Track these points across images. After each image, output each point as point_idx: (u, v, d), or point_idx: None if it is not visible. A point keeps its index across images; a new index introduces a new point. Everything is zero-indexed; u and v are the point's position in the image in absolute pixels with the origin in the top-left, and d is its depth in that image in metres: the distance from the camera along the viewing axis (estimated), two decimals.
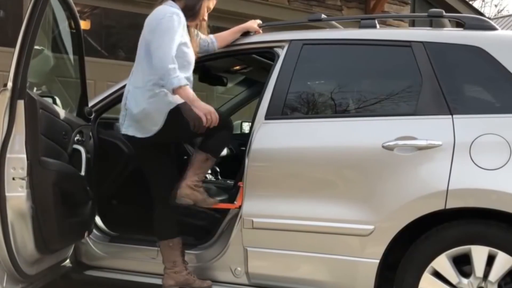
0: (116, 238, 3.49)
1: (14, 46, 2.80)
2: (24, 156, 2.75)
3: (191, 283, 3.11)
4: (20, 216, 2.78)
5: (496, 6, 30.81)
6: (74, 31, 3.40)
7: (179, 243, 3.16)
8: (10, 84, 2.75)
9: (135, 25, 3.98)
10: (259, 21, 3.41)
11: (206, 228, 3.38)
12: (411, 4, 9.14)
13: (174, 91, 2.85)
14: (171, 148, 3.28)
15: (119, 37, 7.25)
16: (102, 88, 5.40)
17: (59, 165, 2.97)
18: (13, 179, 2.75)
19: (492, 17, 19.49)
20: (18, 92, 2.76)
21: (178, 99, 2.95)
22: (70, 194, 3.01)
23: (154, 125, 3.00)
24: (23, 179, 2.75)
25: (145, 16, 3.07)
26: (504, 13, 21.88)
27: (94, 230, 3.46)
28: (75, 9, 3.34)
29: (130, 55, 6.75)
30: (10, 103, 2.75)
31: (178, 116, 2.96)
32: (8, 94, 2.75)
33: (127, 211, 3.71)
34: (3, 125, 2.74)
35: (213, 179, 4.21)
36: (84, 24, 6.40)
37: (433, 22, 3.27)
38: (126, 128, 3.09)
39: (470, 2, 12.59)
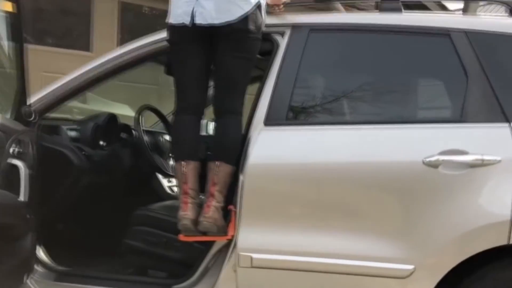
0: (64, 275, 2.71)
1: None
2: None
3: None
4: None
5: None
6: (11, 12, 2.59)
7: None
8: None
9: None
10: None
11: (183, 262, 2.67)
12: None
13: None
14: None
15: (50, 22, 6.33)
16: (36, 80, 4.54)
17: None
18: None
19: None
20: None
21: None
22: (4, 230, 2.22)
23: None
24: None
25: None
26: None
27: (36, 266, 2.66)
28: None
29: (64, 42, 6.01)
30: None
31: None
32: None
33: (78, 238, 2.97)
34: None
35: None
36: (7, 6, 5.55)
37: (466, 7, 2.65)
38: None
39: None
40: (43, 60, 5.32)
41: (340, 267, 2.22)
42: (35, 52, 5.65)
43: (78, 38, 6.02)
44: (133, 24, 6.41)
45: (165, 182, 3.40)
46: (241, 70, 2.44)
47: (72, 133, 2.96)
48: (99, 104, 4.30)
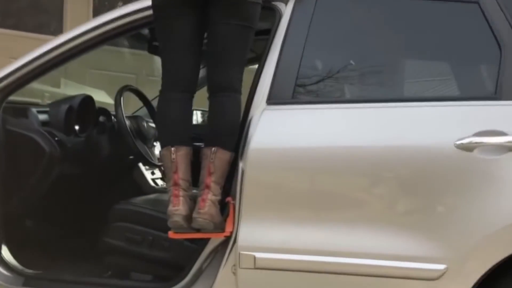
0: (34, 279, 2.37)
1: None
2: None
3: None
4: None
5: None
6: None
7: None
8: None
9: None
10: None
11: (172, 263, 2.33)
12: None
13: None
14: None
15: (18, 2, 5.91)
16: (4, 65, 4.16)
17: None
18: None
19: None
20: None
21: None
22: None
23: None
24: None
25: None
26: None
27: (1, 269, 2.31)
28: None
29: (34, 25, 5.61)
30: None
31: None
32: None
33: (50, 237, 2.62)
34: None
35: (163, 185, 3.14)
36: None
37: None
38: None
39: None
40: (11, 45, 4.93)
41: (361, 267, 1.90)
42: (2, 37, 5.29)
43: (50, 21, 5.63)
44: (109, 5, 6.03)
45: (148, 174, 3.06)
46: (238, 40, 2.09)
47: (43, 117, 2.61)
48: (73, 89, 3.94)
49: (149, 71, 5.51)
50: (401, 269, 1.88)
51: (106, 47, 5.43)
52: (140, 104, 3.10)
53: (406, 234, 1.89)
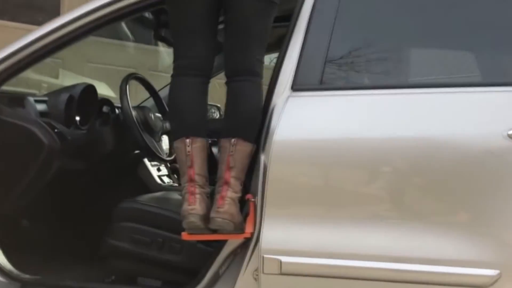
0: (31, 285, 2.15)
1: None
2: None
3: None
4: None
5: None
6: None
7: None
8: None
9: None
10: None
11: (184, 267, 2.12)
12: None
13: None
14: None
15: None
16: None
17: None
18: None
19: None
20: None
21: None
22: None
23: None
24: None
25: None
26: None
27: None
28: None
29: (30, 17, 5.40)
30: None
31: None
32: None
33: (48, 238, 2.44)
34: None
35: (170, 182, 2.93)
36: None
37: None
38: None
39: None
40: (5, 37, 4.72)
41: (405, 273, 1.69)
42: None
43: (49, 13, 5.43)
44: None
45: (153, 170, 2.85)
46: (261, 15, 1.87)
47: (41, 107, 2.40)
48: (72, 79, 3.75)
49: (151, 65, 5.28)
50: (451, 275, 1.67)
51: (105, 40, 5.23)
52: (146, 95, 2.89)
53: (455, 237, 1.68)
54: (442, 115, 1.75)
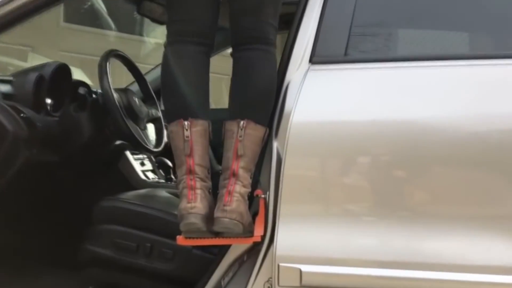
0: None
1: None
2: None
3: None
4: None
5: None
6: None
7: None
8: None
9: None
10: None
11: (177, 278, 1.83)
12: None
13: None
14: None
15: None
16: None
17: None
18: None
19: None
20: None
21: None
22: None
23: None
24: None
25: None
26: None
27: None
28: None
29: None
30: None
31: None
32: None
33: (15, 244, 2.17)
34: None
35: (156, 178, 2.61)
36: None
37: None
38: None
39: None
40: None
41: (450, 284, 1.39)
42: None
43: None
44: None
45: (136, 164, 2.53)
46: None
47: (5, 88, 2.09)
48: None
49: (131, 54, 4.97)
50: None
51: (82, 28, 4.88)
52: (129, 79, 2.56)
53: None
54: (494, 91, 1.46)
